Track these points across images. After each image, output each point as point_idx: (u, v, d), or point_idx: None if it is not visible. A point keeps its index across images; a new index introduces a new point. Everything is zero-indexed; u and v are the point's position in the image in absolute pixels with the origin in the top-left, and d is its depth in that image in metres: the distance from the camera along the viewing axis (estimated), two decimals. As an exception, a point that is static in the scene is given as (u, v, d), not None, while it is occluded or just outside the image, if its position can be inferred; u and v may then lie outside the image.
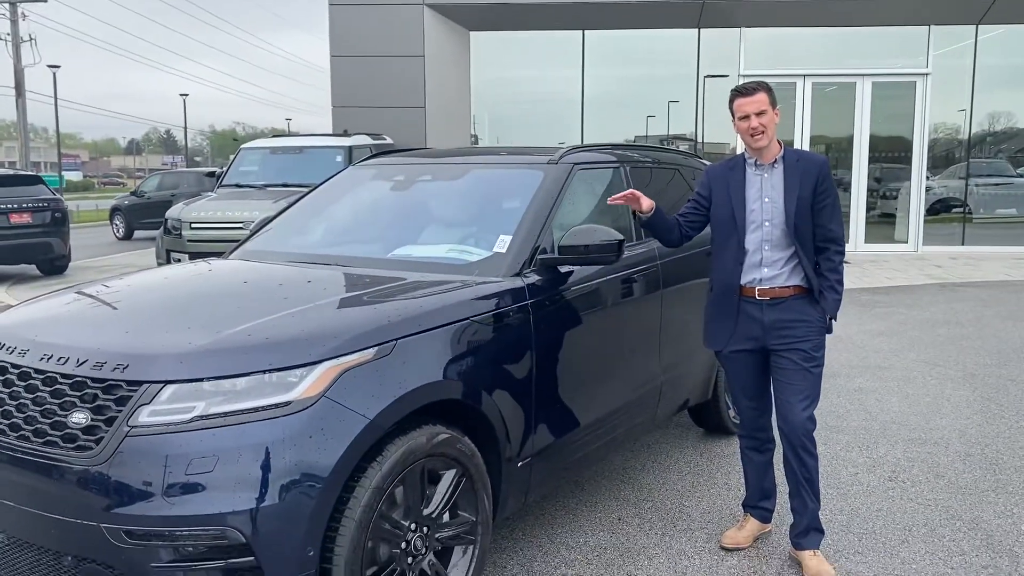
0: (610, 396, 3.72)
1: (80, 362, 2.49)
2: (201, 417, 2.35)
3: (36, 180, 13.29)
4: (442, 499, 2.81)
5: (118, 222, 21.42)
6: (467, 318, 2.94)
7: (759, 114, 3.29)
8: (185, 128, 61.93)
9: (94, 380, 2.44)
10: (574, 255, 3.37)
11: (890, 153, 14.84)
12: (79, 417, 2.42)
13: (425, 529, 2.76)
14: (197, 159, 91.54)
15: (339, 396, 2.46)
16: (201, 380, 2.40)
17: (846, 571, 3.36)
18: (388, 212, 4.02)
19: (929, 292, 10.40)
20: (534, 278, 3.33)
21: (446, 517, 2.86)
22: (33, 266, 12.97)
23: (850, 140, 14.44)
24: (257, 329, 2.59)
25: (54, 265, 12.92)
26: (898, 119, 14.53)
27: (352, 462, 2.46)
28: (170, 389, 2.38)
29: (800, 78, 14.19)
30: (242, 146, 11.77)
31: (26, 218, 12.30)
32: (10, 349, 2.69)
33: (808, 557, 3.36)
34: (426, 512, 2.76)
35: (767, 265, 3.35)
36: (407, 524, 2.69)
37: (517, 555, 3.52)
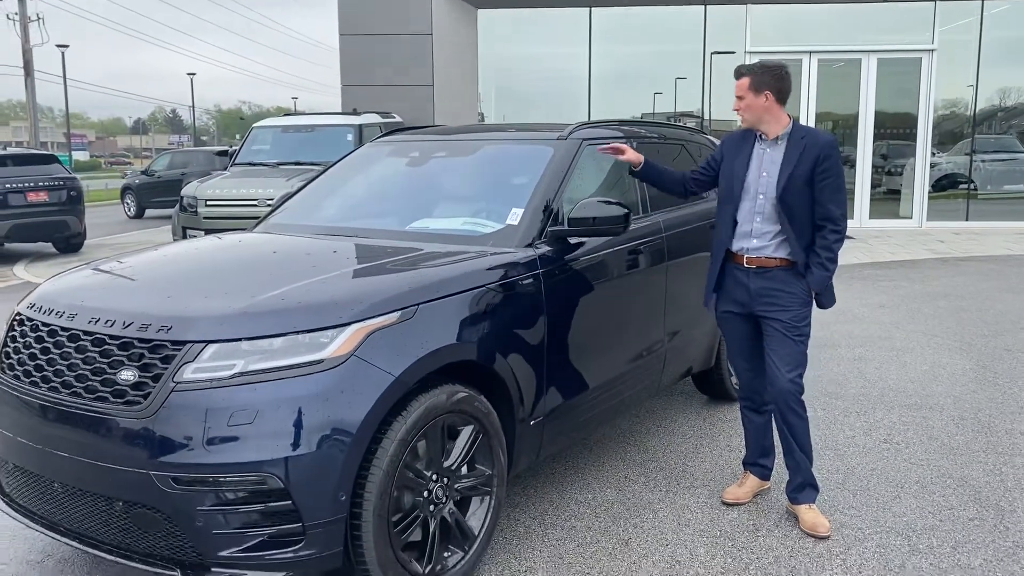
0: (617, 361, 3.91)
1: (126, 324, 2.70)
2: (241, 374, 2.55)
3: (52, 159, 13.49)
4: (460, 453, 3.02)
5: (129, 201, 21.63)
6: (483, 285, 3.13)
7: (739, 97, 3.55)
8: (193, 107, 61.98)
9: (140, 340, 2.65)
10: (583, 227, 3.56)
11: (895, 129, 14.93)
12: (127, 375, 2.63)
13: (445, 480, 2.97)
14: (203, 138, 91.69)
15: (367, 355, 2.66)
16: (240, 340, 2.60)
17: (841, 524, 3.57)
18: (405, 187, 4.21)
19: (931, 266, 10.55)
20: (545, 249, 3.51)
21: (464, 470, 3.07)
22: (50, 244, 13.21)
23: (856, 117, 14.53)
24: (290, 294, 2.79)
25: (70, 243, 13.15)
26: (904, 95, 14.60)
27: (379, 416, 2.66)
28: (212, 348, 2.58)
29: (806, 55, 14.26)
30: (254, 125, 11.94)
31: (43, 196, 12.52)
32: (59, 314, 2.89)
33: (804, 511, 3.57)
34: (446, 464, 2.97)
35: (756, 236, 3.54)
36: (429, 475, 2.90)
37: (530, 509, 3.73)
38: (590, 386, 3.71)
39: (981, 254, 11.50)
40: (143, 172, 22.68)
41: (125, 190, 22.19)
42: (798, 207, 3.45)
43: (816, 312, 3.67)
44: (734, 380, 5.12)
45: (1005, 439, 4.54)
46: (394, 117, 12.64)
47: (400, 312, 2.80)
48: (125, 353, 2.67)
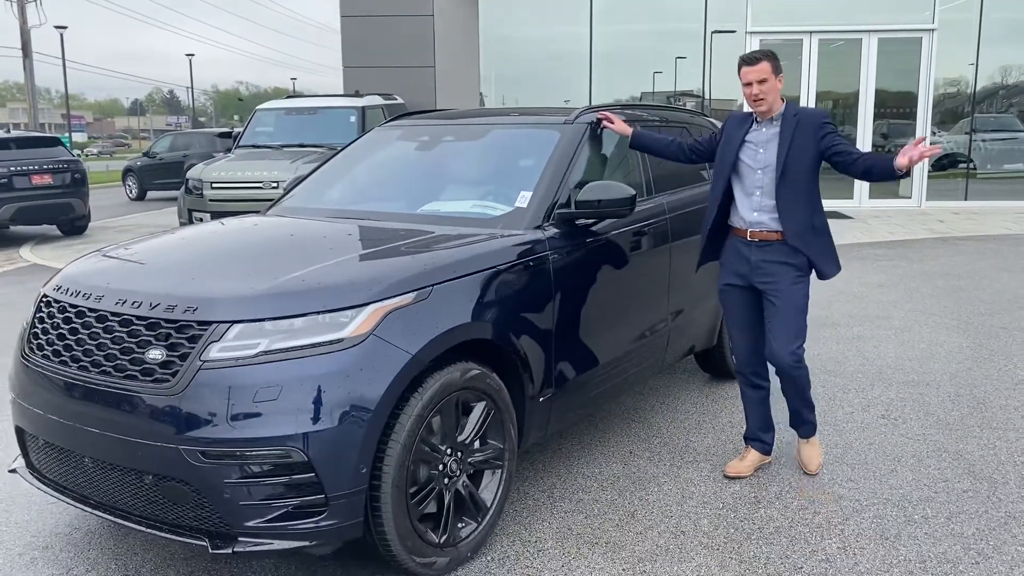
0: (622, 340, 4.03)
1: (153, 305, 2.80)
2: (265, 352, 2.66)
3: (55, 142, 13.55)
4: (473, 428, 3.14)
5: (131, 183, 21.69)
6: (493, 267, 3.23)
7: (760, 82, 3.66)
8: (192, 88, 61.79)
9: (167, 321, 2.76)
10: (590, 209, 3.66)
11: (896, 109, 14.99)
12: (155, 354, 2.74)
13: (459, 454, 3.09)
14: (201, 119, 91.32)
15: (385, 334, 2.77)
16: (263, 320, 2.71)
17: (839, 496, 3.70)
18: (415, 170, 4.30)
19: (930, 246, 10.66)
20: (553, 231, 3.61)
21: (477, 444, 3.19)
22: (54, 227, 13.29)
23: (856, 96, 14.58)
24: (310, 276, 2.89)
25: (75, 225, 13.23)
26: (904, 75, 14.65)
27: (397, 392, 2.78)
28: (237, 328, 2.69)
29: (807, 34, 14.29)
30: (257, 108, 12.00)
31: (47, 179, 12.59)
32: (86, 295, 3.00)
33: (802, 445, 3.98)
34: (460, 439, 3.09)
35: (757, 210, 3.74)
36: (444, 448, 3.02)
37: (539, 483, 3.86)
38: (597, 364, 3.83)
39: (980, 234, 11.60)
40: (144, 154, 22.72)
41: (127, 172, 22.23)
42: (796, 182, 3.65)
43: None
44: (734, 358, 5.25)
45: (999, 414, 4.66)
46: (396, 99, 12.69)
47: (416, 293, 2.91)
48: (152, 333, 2.77)
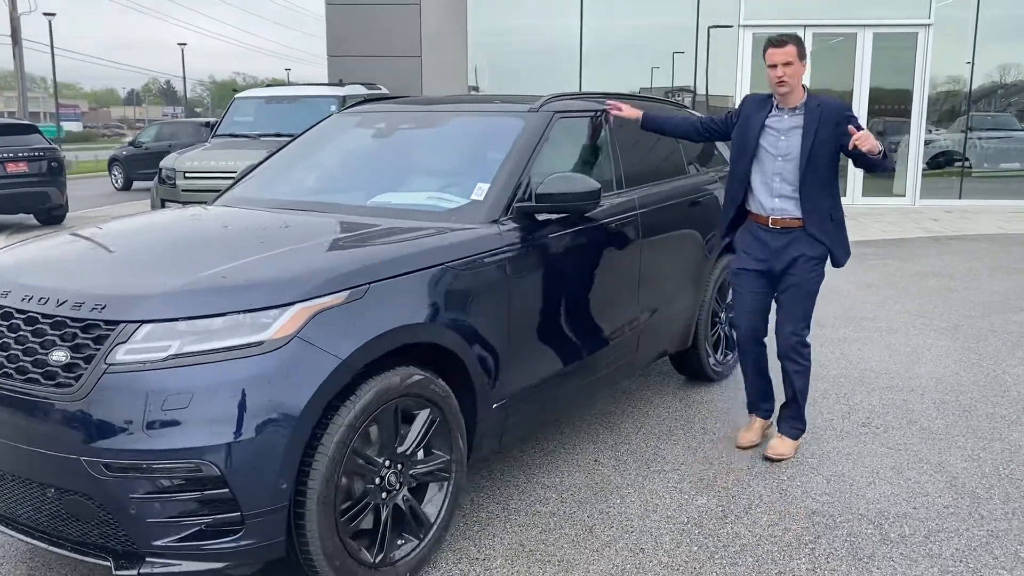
0: (586, 343, 3.79)
1: (60, 302, 2.57)
2: (176, 355, 2.43)
3: (32, 129, 13.25)
4: (416, 437, 2.90)
5: (117, 173, 21.40)
6: (441, 264, 3.00)
7: (786, 64, 3.70)
8: (184, 78, 61.48)
9: (73, 320, 2.52)
10: (551, 203, 3.43)
11: (890, 106, 14.73)
12: (59, 355, 2.50)
13: (399, 466, 2.85)
14: (197, 110, 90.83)
15: (311, 337, 2.53)
16: (176, 320, 2.47)
17: (812, 511, 3.47)
18: (369, 160, 4.06)
19: (922, 245, 10.44)
20: (511, 225, 3.38)
21: (420, 455, 2.96)
22: (31, 216, 13.02)
23: (850, 93, 14.33)
24: (233, 271, 2.66)
25: (51, 215, 12.96)
26: (899, 71, 14.40)
27: (324, 400, 2.54)
28: (146, 328, 2.45)
29: (801, 28, 14.00)
30: (236, 96, 11.72)
31: (22, 167, 12.30)
32: None
33: (777, 437, 4.05)
34: (400, 450, 2.85)
35: (778, 196, 3.80)
36: (381, 461, 2.78)
37: (495, 494, 3.63)
38: (556, 369, 3.60)
39: (973, 233, 11.38)
40: (131, 143, 22.43)
41: (112, 162, 21.94)
42: (819, 172, 3.72)
43: None
44: (712, 361, 5.03)
45: (985, 423, 4.45)
46: (380, 88, 12.42)
47: (349, 291, 2.67)
48: (58, 333, 2.54)
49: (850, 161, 3.75)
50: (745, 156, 3.89)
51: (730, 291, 5.02)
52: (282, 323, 2.51)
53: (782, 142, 3.80)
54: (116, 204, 16.71)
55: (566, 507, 3.51)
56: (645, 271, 4.21)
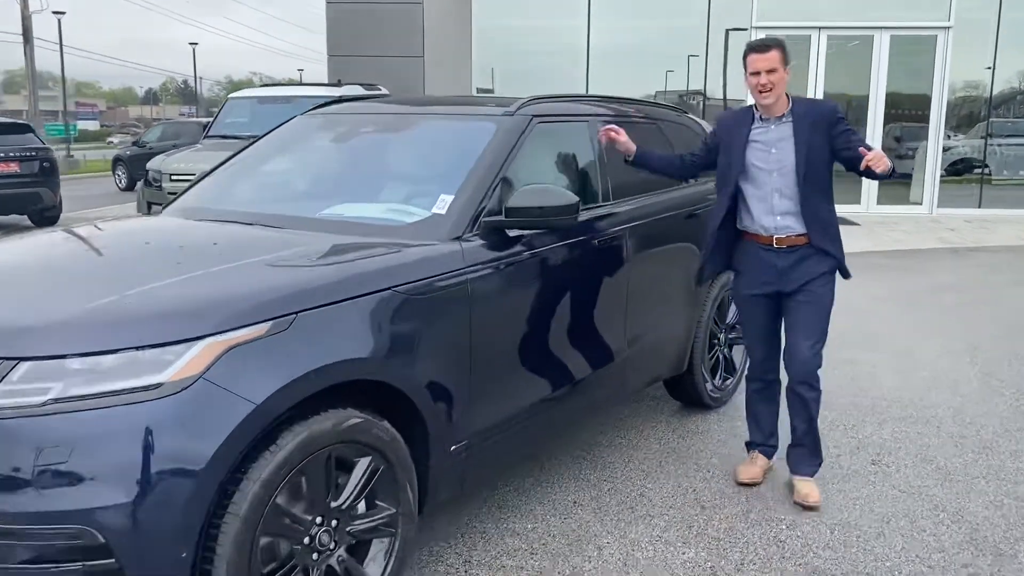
0: (564, 373, 3.41)
1: (-64, 334, 2.21)
2: (57, 400, 2.06)
3: (26, 129, 12.98)
4: (355, 489, 2.53)
5: (120, 173, 21.19)
6: (389, 288, 2.63)
7: (769, 71, 3.40)
8: (196, 77, 61.65)
9: (-53, 355, 2.16)
10: (522, 217, 3.06)
11: (908, 111, 14.26)
12: (-72, 396, 2.14)
13: (334, 522, 2.48)
14: (213, 109, 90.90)
15: (221, 377, 2.16)
16: (62, 357, 2.11)
17: (813, 568, 3.08)
18: (327, 167, 3.70)
19: (939, 256, 9.99)
20: (477, 242, 3.01)
21: (361, 508, 2.59)
22: (25, 218, 12.75)
23: (866, 98, 13.87)
24: (134, 299, 2.29)
25: (44, 216, 12.68)
26: (917, 75, 13.93)
27: (234, 452, 2.17)
28: (24, 367, 2.09)
29: (815, 30, 13.59)
30: (229, 96, 11.40)
31: (13, 167, 12.03)
32: None
33: (801, 482, 3.61)
34: (335, 504, 2.48)
35: (779, 214, 3.49)
36: (311, 518, 2.41)
37: (458, 542, 3.25)
38: (529, 403, 3.22)
39: (993, 244, 10.91)
40: (134, 143, 22.22)
41: (116, 161, 21.75)
42: (816, 178, 3.45)
43: None
44: (709, 387, 4.63)
45: (1009, 463, 4.03)
46: (380, 89, 12.05)
47: (272, 322, 2.30)
48: (-70, 369, 2.18)
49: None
50: (731, 178, 3.57)
51: (730, 311, 4.66)
52: (185, 361, 2.14)
53: (773, 155, 3.49)
54: (114, 205, 16.45)
55: (536, 560, 3.13)
56: (634, 291, 3.83)
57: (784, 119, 3.49)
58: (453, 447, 2.89)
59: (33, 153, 12.34)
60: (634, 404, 4.79)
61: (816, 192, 3.47)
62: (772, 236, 3.53)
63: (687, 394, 4.64)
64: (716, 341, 4.70)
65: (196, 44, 57.70)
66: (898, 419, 4.60)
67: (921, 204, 14.05)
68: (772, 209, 3.51)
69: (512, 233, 3.14)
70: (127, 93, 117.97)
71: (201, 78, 67.69)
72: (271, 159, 3.86)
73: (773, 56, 3.41)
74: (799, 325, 3.55)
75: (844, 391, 5.04)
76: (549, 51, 14.85)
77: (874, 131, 13.84)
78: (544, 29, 14.88)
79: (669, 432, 4.42)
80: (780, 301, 3.63)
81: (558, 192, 3.10)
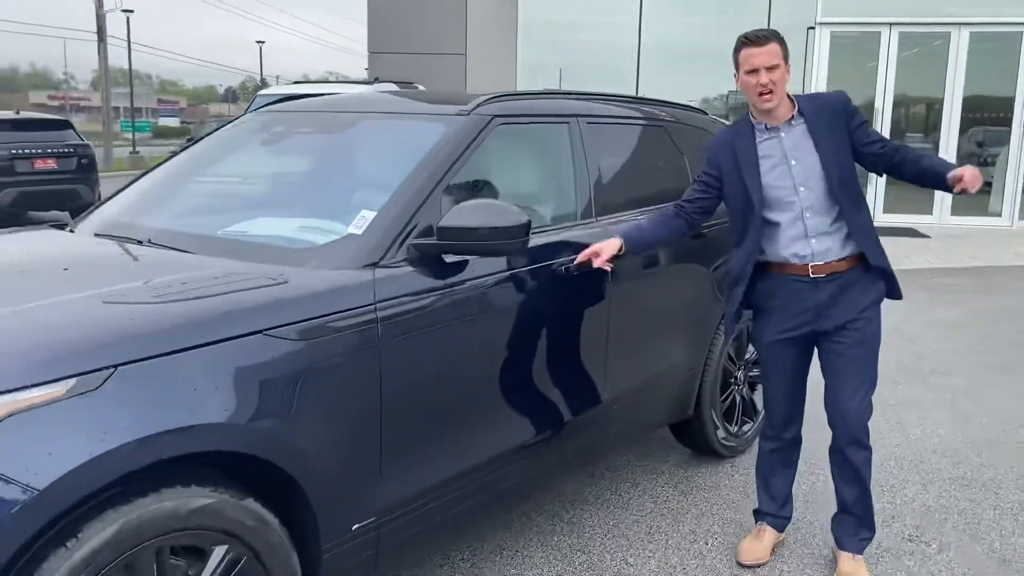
0: (515, 429, 2.82)
1: None
2: None
3: (65, 125, 12.93)
4: (205, 587, 1.99)
5: (174, 169, 21.28)
6: (260, 331, 2.08)
7: (770, 69, 2.80)
8: (261, 75, 62.89)
9: None
10: (457, 240, 2.48)
11: (988, 114, 13.16)
12: None
13: (171, 633, 1.95)
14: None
15: (-13, 456, 1.64)
16: None
17: None
18: (254, 174, 3.18)
19: (1018, 276, 9.01)
20: (401, 270, 2.45)
21: (220, 609, 2.04)
22: (66, 214, 12.70)
23: (940, 100, 12.84)
24: None
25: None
26: (999, 75, 12.82)
27: (7, 554, 1.66)
28: None
29: (885, 27, 12.62)
30: (258, 93, 11.08)
31: (51, 164, 11.97)
32: None
33: (845, 559, 3.03)
34: (176, 608, 1.95)
35: (814, 236, 2.88)
36: (133, 631, 1.88)
37: (379, 630, 2.69)
38: (464, 469, 2.63)
39: (1080, 263, 9.86)
40: (188, 140, 22.30)
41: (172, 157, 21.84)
42: (851, 186, 2.89)
43: None
44: (721, 434, 3.97)
45: (1084, 548, 3.28)
46: (417, 87, 11.61)
47: (76, 379, 1.77)
48: None
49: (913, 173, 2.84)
50: (748, 207, 2.92)
51: (748, 348, 4.00)
52: (-62, 435, 1.63)
53: (795, 167, 2.88)
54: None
55: (468, 660, 2.55)
56: (618, 329, 3.20)
57: (794, 123, 2.89)
58: (356, 525, 2.33)
59: (71, 149, 12.27)
60: (640, 446, 4.16)
61: (852, 200, 2.88)
62: (807, 264, 2.90)
63: (695, 440, 4.00)
64: (732, 380, 4.04)
65: (263, 43, 58.80)
66: (948, 480, 3.86)
67: (1001, 216, 12.96)
68: (805, 232, 2.89)
69: (451, 259, 2.57)
70: (209, 91, 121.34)
71: (278, 76, 69.14)
72: (199, 163, 3.35)
73: (773, 50, 2.80)
74: (844, 372, 2.93)
75: (885, 440, 4.31)
76: (598, 49, 14.19)
77: (949, 136, 12.82)
78: (593, 26, 14.22)
79: (670, 487, 3.78)
80: (813, 343, 3.02)
81: (503, 209, 2.51)
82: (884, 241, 3.00)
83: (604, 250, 2.94)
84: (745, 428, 4.13)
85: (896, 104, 12.93)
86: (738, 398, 4.08)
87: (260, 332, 2.08)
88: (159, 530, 1.87)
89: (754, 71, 2.80)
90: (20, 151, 11.69)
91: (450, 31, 12.64)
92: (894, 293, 2.98)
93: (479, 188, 2.85)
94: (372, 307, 2.32)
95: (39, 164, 11.86)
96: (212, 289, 2.14)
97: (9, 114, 12.71)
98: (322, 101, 3.38)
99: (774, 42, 2.81)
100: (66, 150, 12.18)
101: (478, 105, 2.93)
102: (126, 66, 41.83)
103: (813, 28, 12.80)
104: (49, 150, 12.00)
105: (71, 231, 3.01)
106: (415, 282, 2.46)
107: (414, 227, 2.53)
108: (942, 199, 12.82)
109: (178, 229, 2.74)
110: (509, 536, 3.30)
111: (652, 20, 13.55)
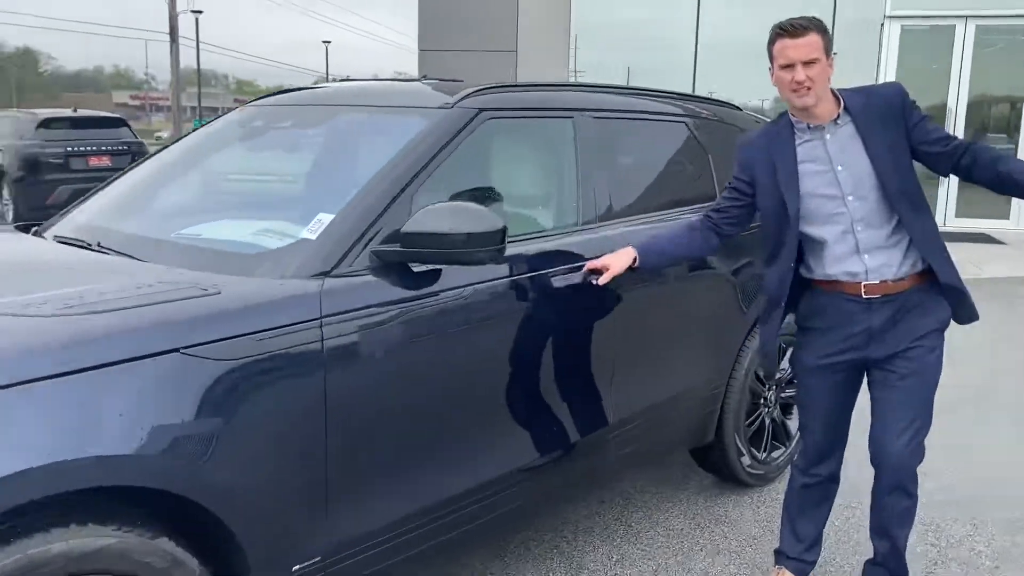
0: (495, 461, 2.53)
1: None
2: None
3: (120, 123, 13.14)
4: (107, 637, 1.77)
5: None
6: (175, 349, 1.84)
7: (808, 63, 2.45)
8: (327, 75, 64.16)
9: None
10: (422, 247, 2.22)
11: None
12: None
13: None
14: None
15: None
16: None
17: None
18: (226, 171, 2.96)
19: (1100, 288, 8.33)
20: (359, 280, 2.19)
21: (124, 662, 1.82)
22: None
23: (1022, 99, 12.07)
24: None
25: (135, 210, 12.77)
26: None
27: None
28: None
29: (961, 19, 11.89)
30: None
31: (105, 161, 12.15)
32: None
33: None
34: (65, 663, 1.72)
35: (867, 252, 2.54)
36: None
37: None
38: (433, 502, 2.36)
39: None
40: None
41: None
42: (911, 192, 2.53)
43: None
44: (745, 461, 3.62)
45: None
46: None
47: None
48: None
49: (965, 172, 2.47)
50: (787, 219, 2.58)
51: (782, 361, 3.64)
52: None
53: (842, 173, 2.53)
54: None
55: None
56: (627, 345, 2.89)
57: (840, 122, 2.54)
58: (297, 567, 2.08)
59: (126, 147, 12.45)
60: (658, 469, 3.84)
61: (914, 207, 2.53)
62: (860, 283, 2.56)
63: (717, 466, 3.65)
64: (761, 401, 3.68)
65: (329, 42, 59.79)
66: (1003, 522, 3.44)
67: (1086, 221, 12.12)
68: (859, 247, 2.55)
69: (420, 269, 2.30)
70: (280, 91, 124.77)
71: (348, 76, 70.89)
72: (181, 161, 3.15)
73: (812, 41, 2.45)
74: (892, 407, 2.60)
75: (935, 474, 3.88)
76: (654, 47, 13.76)
77: (1031, 137, 12.03)
78: (648, 21, 13.80)
79: (686, 519, 3.44)
80: (863, 370, 2.69)
81: (475, 213, 2.23)
82: (953, 248, 2.64)
83: (613, 264, 2.65)
84: (775, 454, 3.77)
85: (972, 104, 12.20)
86: (767, 421, 3.72)
87: (176, 350, 1.84)
88: (53, 572, 1.66)
89: (789, 66, 2.46)
90: (75, 148, 11.89)
91: (500, 27, 12.39)
92: (963, 316, 2.63)
93: (462, 190, 2.58)
94: (317, 322, 2.06)
95: (94, 161, 12.05)
96: (127, 301, 1.91)
97: (67, 112, 12.98)
98: (306, 94, 3.14)
99: (814, 32, 2.47)
100: (121, 147, 12.36)
101: (464, 97, 2.65)
102: (176, 65, 42.87)
103: (899, 17, 12.15)
104: (104, 148, 12.18)
105: (37, 234, 2.82)
106: (374, 294, 2.20)
107: (377, 232, 2.27)
108: (1021, 203, 12.05)
109: (132, 232, 2.54)
110: (500, 569, 3.02)
111: (709, 16, 13.07)
